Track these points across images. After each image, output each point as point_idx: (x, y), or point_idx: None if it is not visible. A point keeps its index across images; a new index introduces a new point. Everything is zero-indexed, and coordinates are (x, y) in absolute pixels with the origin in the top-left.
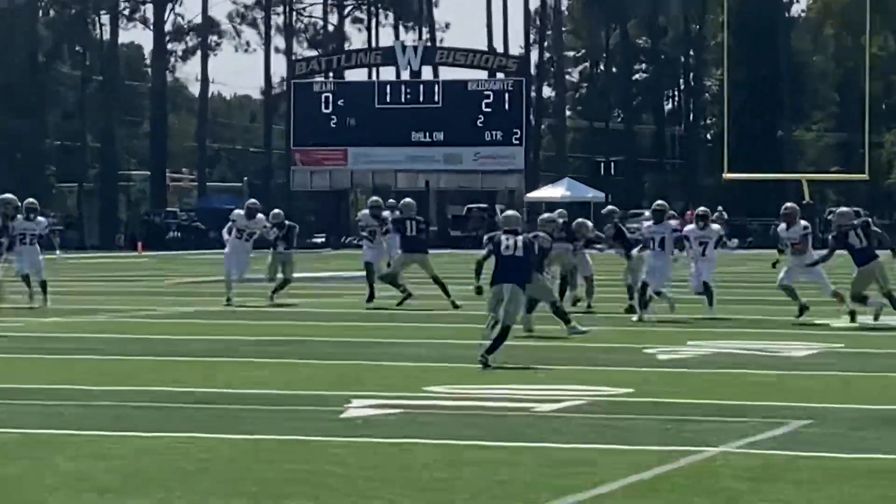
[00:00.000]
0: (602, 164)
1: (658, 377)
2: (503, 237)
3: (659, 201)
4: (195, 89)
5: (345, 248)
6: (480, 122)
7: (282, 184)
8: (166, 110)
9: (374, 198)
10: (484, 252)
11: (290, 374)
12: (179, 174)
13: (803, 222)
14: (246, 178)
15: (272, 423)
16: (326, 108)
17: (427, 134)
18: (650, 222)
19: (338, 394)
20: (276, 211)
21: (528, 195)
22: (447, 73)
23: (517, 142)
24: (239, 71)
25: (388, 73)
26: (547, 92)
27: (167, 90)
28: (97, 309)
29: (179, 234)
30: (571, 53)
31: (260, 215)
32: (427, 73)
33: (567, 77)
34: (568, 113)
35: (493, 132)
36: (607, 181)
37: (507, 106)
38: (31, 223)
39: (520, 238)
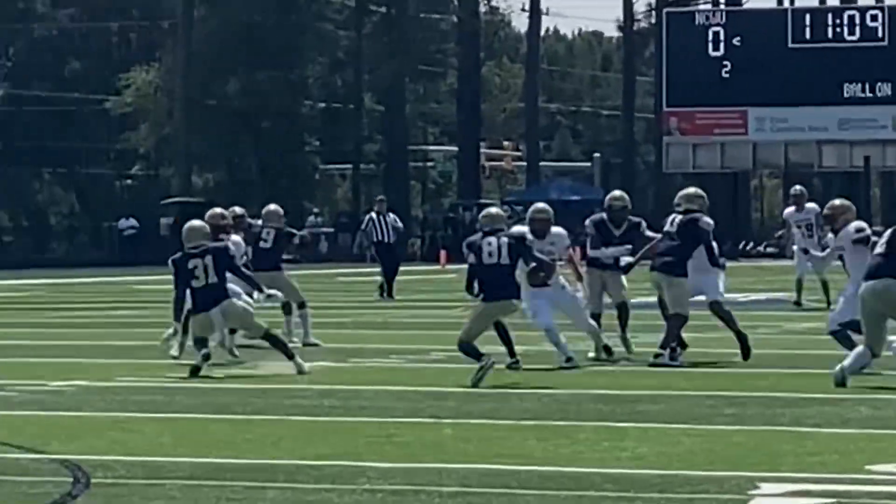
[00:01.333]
0: None
1: None
2: (484, 241)
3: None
4: (521, 24)
5: (748, 257)
6: None
7: (650, 162)
8: (479, 57)
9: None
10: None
11: (668, 444)
12: (499, 150)
13: None
14: (597, 155)
15: None
16: (715, 49)
17: (867, 86)
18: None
19: (740, 474)
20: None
21: None
22: None
23: None
24: None
25: None
26: None
27: (481, 27)
28: (384, 349)
29: None
30: None
31: None
32: None
33: None
34: None
35: None
36: None
37: None
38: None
39: (504, 240)
